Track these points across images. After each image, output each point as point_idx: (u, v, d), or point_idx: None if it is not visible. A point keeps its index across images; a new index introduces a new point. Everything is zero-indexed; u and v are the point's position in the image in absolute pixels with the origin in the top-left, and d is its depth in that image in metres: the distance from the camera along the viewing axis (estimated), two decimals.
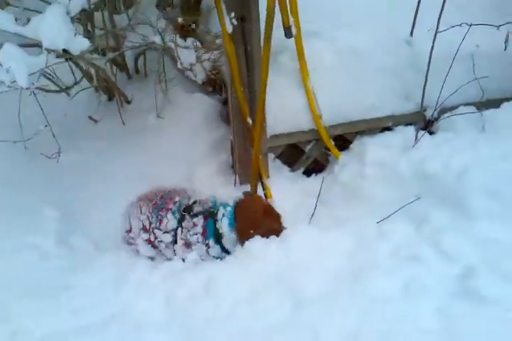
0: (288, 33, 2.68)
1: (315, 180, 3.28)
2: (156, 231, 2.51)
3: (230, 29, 2.54)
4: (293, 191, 3.17)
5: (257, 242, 2.41)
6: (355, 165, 3.07)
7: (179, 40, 3.01)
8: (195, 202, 2.55)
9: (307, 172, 3.42)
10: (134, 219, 2.57)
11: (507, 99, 3.31)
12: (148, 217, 2.54)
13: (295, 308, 2.01)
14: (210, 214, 2.46)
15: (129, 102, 3.75)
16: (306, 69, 2.98)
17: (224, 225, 2.42)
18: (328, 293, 2.05)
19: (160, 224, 2.50)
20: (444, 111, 3.41)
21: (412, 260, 2.11)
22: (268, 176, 3.18)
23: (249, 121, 2.78)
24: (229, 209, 2.46)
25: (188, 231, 2.46)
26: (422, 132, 3.27)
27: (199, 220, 2.46)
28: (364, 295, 2.00)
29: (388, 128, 3.42)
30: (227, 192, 3.10)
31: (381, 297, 1.98)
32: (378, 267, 2.10)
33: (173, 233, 2.48)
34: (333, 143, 3.26)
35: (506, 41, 3.23)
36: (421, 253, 2.14)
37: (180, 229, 2.47)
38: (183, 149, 3.46)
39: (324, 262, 2.22)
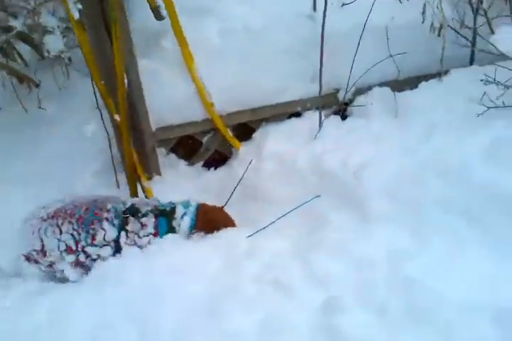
0: (157, 16, 2.28)
1: (214, 175, 2.93)
2: (88, 249, 2.15)
3: (76, 15, 2.11)
4: (187, 188, 2.82)
5: (116, 260, 2.07)
6: (253, 158, 2.70)
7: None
8: (133, 205, 2.23)
9: (208, 165, 3.06)
10: (50, 240, 2.17)
11: (425, 77, 2.95)
12: (73, 236, 2.15)
13: None
14: (161, 213, 2.18)
15: (37, 86, 3.30)
16: (188, 52, 2.58)
17: (184, 224, 2.16)
18: (179, 331, 1.72)
19: (93, 240, 2.14)
20: (360, 92, 3.04)
21: (277, 286, 1.79)
22: (157, 174, 2.82)
23: (117, 117, 2.38)
24: (192, 209, 2.20)
25: (136, 233, 2.15)
26: (331, 118, 2.93)
27: (149, 220, 2.16)
28: (217, 334, 1.68)
29: (298, 114, 3.05)
30: (109, 193, 2.73)
31: (235, 337, 1.66)
32: (238, 296, 1.78)
33: (113, 244, 2.13)
34: (231, 133, 2.88)
35: (423, 13, 2.85)
36: (289, 276, 1.81)
37: (124, 234, 2.14)
38: (71, 144, 3.06)
39: (184, 287, 1.89)
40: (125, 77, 2.22)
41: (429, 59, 2.93)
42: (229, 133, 2.85)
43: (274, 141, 2.69)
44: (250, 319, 1.70)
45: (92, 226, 2.17)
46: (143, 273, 2.02)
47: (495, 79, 2.26)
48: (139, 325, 1.82)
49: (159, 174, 2.85)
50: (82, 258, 2.17)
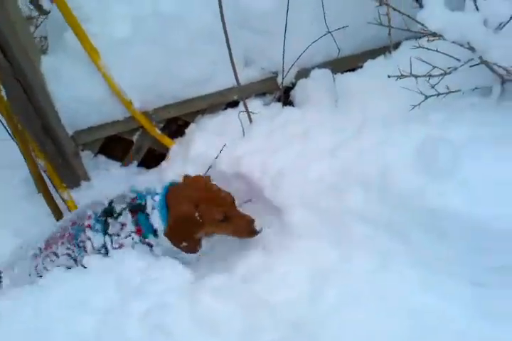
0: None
1: (145, 177, 2.72)
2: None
3: None
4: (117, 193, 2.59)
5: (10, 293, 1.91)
6: (180, 159, 2.47)
7: None
8: (111, 202, 2.02)
9: (146, 165, 2.82)
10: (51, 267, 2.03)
11: (373, 53, 2.58)
12: (69, 255, 2.02)
13: None
14: (138, 207, 1.93)
15: None
16: (90, 47, 2.29)
17: (155, 220, 1.90)
18: None
19: (85, 252, 1.98)
20: (302, 74, 2.71)
21: (159, 330, 1.59)
22: (84, 180, 2.61)
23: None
24: (157, 198, 1.91)
25: (119, 236, 1.95)
26: (271, 106, 2.63)
27: (125, 218, 1.93)
28: None
29: (237, 103, 2.75)
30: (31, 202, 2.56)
31: None
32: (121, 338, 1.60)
33: (103, 250, 1.97)
34: (158, 131, 2.62)
35: None
36: (176, 319, 1.61)
37: (109, 239, 1.96)
38: None
39: (72, 324, 1.72)
40: None
41: (376, 31, 2.53)
42: (156, 131, 2.59)
43: (201, 139, 2.43)
44: None
45: (80, 239, 1.99)
46: (34, 308, 1.85)
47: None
48: None
49: (87, 179, 2.64)
50: None
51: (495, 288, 1.62)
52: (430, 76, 1.88)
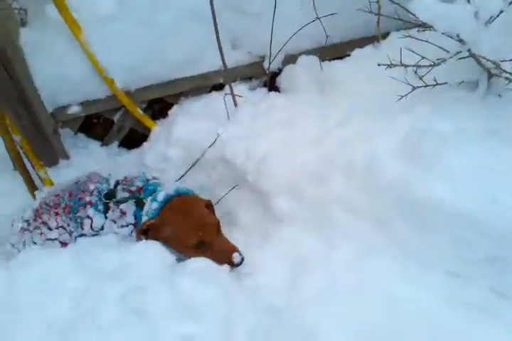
0: None
1: (126, 158, 2.66)
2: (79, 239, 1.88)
3: None
4: None
5: None
6: (162, 141, 2.42)
7: None
8: (117, 184, 1.91)
9: (128, 145, 2.77)
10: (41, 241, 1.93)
11: (361, 42, 2.56)
12: (64, 228, 1.91)
13: None
14: (140, 202, 1.83)
15: None
16: (72, 20, 2.22)
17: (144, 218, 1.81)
18: None
19: (82, 228, 1.87)
20: (290, 60, 2.68)
21: (136, 314, 1.57)
22: (64, 158, 2.55)
23: None
24: (155, 206, 1.79)
25: (115, 223, 1.85)
26: (257, 91, 2.59)
27: (128, 206, 1.83)
28: None
29: (222, 86, 2.71)
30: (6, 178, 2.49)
31: None
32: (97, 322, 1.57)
33: (100, 232, 1.87)
34: (141, 111, 2.56)
35: None
36: (155, 302, 1.59)
37: (108, 222, 1.86)
38: None
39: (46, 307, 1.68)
40: None
41: (366, 20, 2.51)
42: (139, 112, 2.54)
43: (184, 122, 2.39)
44: None
45: (79, 214, 1.87)
46: (6, 287, 1.80)
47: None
48: None
49: (66, 157, 2.58)
50: None
51: (471, 279, 1.63)
52: (419, 66, 1.88)
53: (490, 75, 2.02)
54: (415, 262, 1.71)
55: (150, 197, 1.81)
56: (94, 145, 2.72)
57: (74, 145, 2.66)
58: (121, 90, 2.46)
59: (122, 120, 2.67)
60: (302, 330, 1.48)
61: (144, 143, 2.58)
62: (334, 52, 2.64)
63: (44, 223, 1.92)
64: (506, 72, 1.73)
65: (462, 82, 2.05)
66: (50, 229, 1.91)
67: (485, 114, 1.89)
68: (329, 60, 2.53)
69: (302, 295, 1.66)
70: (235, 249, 1.75)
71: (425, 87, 2.01)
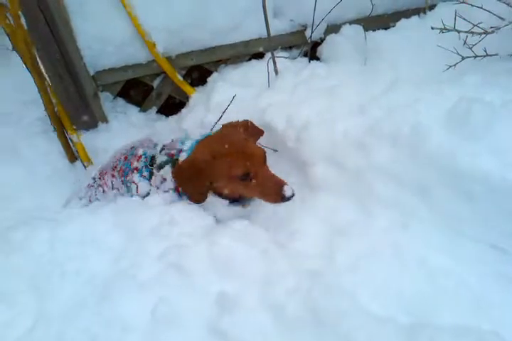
0: None
1: (164, 123, 2.68)
2: None
3: None
4: (134, 138, 2.55)
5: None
6: (201, 108, 2.42)
7: None
8: (163, 149, 1.88)
9: (165, 112, 2.78)
10: (102, 198, 2.01)
11: (406, 13, 2.50)
12: (119, 191, 1.95)
13: None
14: (175, 164, 1.77)
15: None
16: None
17: (164, 175, 1.82)
18: (72, 310, 1.58)
19: (131, 193, 1.90)
20: (332, 29, 2.63)
21: (178, 269, 1.59)
22: (103, 121, 2.58)
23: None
24: (185, 147, 1.77)
25: (158, 188, 1.83)
26: (298, 60, 2.56)
27: (167, 172, 1.79)
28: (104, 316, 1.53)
29: (261, 55, 2.68)
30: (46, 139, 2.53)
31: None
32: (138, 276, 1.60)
33: (147, 197, 1.87)
34: (180, 77, 2.56)
35: None
36: (194, 259, 1.61)
37: (153, 189, 1.85)
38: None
39: (86, 261, 1.72)
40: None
41: None
42: (178, 78, 2.54)
43: (223, 89, 2.36)
44: (143, 304, 1.51)
45: (128, 178, 1.89)
46: (50, 242, 1.84)
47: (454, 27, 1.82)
48: (37, 297, 1.67)
49: (106, 121, 2.61)
50: None
51: None
52: (473, 33, 1.81)
53: None
54: (458, 234, 1.68)
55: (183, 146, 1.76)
56: (133, 110, 2.74)
57: (113, 109, 2.68)
58: (161, 55, 2.45)
59: (161, 86, 2.67)
60: (341, 293, 1.47)
61: (183, 110, 2.58)
62: (379, 22, 2.58)
63: (106, 183, 1.96)
64: None
65: None
66: (109, 188, 1.95)
67: None
68: (373, 31, 2.45)
69: (340, 261, 1.66)
70: (284, 182, 1.62)
71: (475, 57, 1.95)
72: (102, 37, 2.33)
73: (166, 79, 2.59)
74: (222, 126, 1.82)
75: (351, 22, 2.55)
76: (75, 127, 2.38)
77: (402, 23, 2.39)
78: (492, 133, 1.63)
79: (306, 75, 2.31)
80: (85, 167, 2.36)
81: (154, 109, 2.73)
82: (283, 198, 1.59)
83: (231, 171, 1.63)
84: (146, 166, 1.86)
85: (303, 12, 2.50)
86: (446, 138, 1.68)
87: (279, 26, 2.54)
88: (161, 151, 1.87)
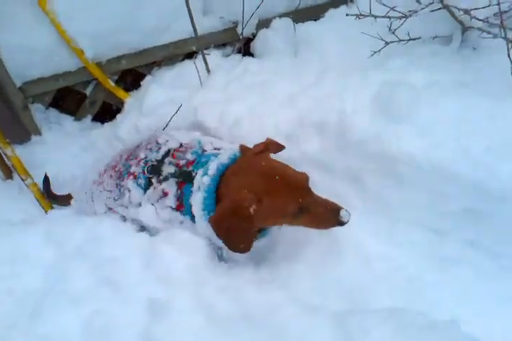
0: None
1: (100, 131, 2.59)
2: (121, 209, 1.71)
3: None
4: (71, 148, 2.49)
5: None
6: (135, 113, 2.36)
7: None
8: (167, 155, 1.62)
9: (102, 119, 2.71)
10: (97, 202, 1.80)
11: (334, 3, 2.50)
12: (111, 193, 1.74)
13: None
14: (188, 177, 1.51)
15: None
16: None
17: (196, 203, 1.48)
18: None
19: (122, 199, 1.69)
20: (264, 24, 2.61)
21: (109, 284, 1.54)
22: (35, 134, 2.48)
23: None
24: (207, 179, 1.46)
25: (157, 202, 1.59)
26: (231, 57, 2.53)
27: (170, 186, 1.54)
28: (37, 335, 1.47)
29: (195, 54, 2.64)
30: None
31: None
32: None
33: (139, 207, 1.67)
34: (112, 83, 2.49)
35: None
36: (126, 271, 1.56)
37: (146, 200, 1.62)
38: None
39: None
40: None
41: None
42: (110, 83, 2.47)
43: (156, 91, 2.32)
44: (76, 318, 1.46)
45: (123, 183, 1.68)
46: None
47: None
48: None
49: (39, 133, 2.52)
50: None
51: (448, 233, 1.61)
52: (390, 17, 1.82)
53: (464, 29, 1.97)
54: (391, 218, 1.68)
55: (200, 170, 1.49)
56: (67, 120, 2.66)
57: (46, 120, 2.60)
58: (91, 61, 2.39)
59: (94, 93, 2.60)
60: (274, 287, 1.44)
61: (117, 116, 2.52)
62: (309, 14, 2.57)
63: (103, 182, 1.80)
64: (478, 19, 1.67)
65: (436, 36, 2.00)
66: (104, 189, 1.79)
67: (459, 67, 1.85)
68: (303, 23, 2.45)
69: (278, 253, 1.63)
70: (340, 207, 1.42)
71: (399, 41, 1.97)
72: (26, 46, 2.24)
73: (98, 86, 2.52)
74: (242, 149, 1.56)
75: (281, 15, 2.53)
76: (8, 140, 2.28)
77: (330, 13, 2.39)
78: (416, 115, 1.64)
79: (238, 72, 2.28)
80: (24, 181, 2.27)
81: (89, 117, 2.66)
82: (340, 224, 1.42)
83: (284, 211, 1.40)
84: (143, 172, 1.63)
85: (233, 8, 2.47)
86: (372, 124, 1.68)
87: (210, 24, 2.51)
88: (165, 157, 1.62)
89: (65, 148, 2.53)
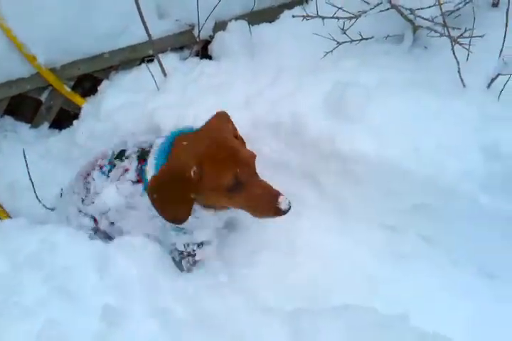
0: None
1: (58, 138, 2.55)
2: (88, 208, 1.70)
3: None
4: (28, 157, 2.42)
5: None
6: (91, 118, 2.33)
7: None
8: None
9: (60, 125, 2.66)
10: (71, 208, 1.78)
11: (289, 5, 2.51)
12: (79, 195, 1.74)
13: None
14: (146, 154, 1.55)
15: None
16: None
17: (149, 169, 1.49)
18: None
19: (89, 195, 1.68)
20: (220, 27, 2.61)
21: (62, 293, 1.51)
22: None
23: None
24: (159, 141, 1.51)
25: (117, 180, 1.59)
26: (188, 60, 2.52)
27: (130, 162, 1.58)
28: None
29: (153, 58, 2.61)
30: None
31: None
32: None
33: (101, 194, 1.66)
34: (68, 88, 2.45)
35: None
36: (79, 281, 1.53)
37: (108, 183, 1.62)
38: None
39: None
40: None
41: None
42: (66, 89, 2.43)
43: (113, 96, 2.29)
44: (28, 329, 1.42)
45: (88, 178, 1.68)
46: None
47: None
48: None
49: None
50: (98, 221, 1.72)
51: (402, 229, 1.63)
52: (338, 18, 1.84)
53: (415, 28, 2.00)
54: (348, 217, 1.70)
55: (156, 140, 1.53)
56: (23, 128, 2.61)
57: (1, 129, 2.54)
58: (45, 67, 2.34)
59: (50, 99, 2.55)
60: (233, 291, 1.44)
61: (74, 122, 2.48)
62: (265, 16, 2.57)
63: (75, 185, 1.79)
64: (423, 18, 1.70)
65: (388, 36, 2.03)
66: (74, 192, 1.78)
67: (410, 66, 1.88)
68: (258, 25, 2.46)
69: (236, 259, 1.63)
70: (279, 193, 1.37)
71: (351, 42, 1.98)
72: None
73: (54, 92, 2.48)
74: (214, 116, 1.57)
75: (237, 18, 2.53)
76: None
77: (285, 14, 2.40)
78: (367, 114, 1.66)
79: (195, 75, 2.28)
80: None
81: (46, 124, 2.61)
82: (277, 212, 1.36)
83: (219, 181, 1.36)
84: (110, 163, 1.64)
85: (188, 11, 2.45)
86: (325, 124, 1.70)
87: (166, 27, 2.49)
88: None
89: (21, 156, 2.46)
